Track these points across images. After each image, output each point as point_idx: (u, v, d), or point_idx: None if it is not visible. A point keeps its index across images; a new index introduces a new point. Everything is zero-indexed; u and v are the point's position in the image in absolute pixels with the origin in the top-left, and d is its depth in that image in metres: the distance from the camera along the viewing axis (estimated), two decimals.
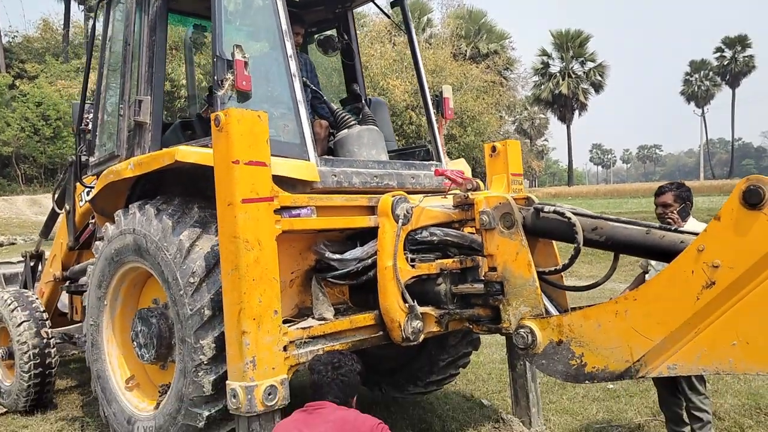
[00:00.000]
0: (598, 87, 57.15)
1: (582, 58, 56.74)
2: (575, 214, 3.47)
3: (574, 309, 3.55)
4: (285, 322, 3.55)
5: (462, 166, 5.07)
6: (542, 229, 3.61)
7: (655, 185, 5.84)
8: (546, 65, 57.30)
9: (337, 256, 3.75)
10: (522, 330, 3.43)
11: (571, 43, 56.00)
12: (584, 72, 56.76)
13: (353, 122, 4.46)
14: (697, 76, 75.27)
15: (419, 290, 3.93)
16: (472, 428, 5.05)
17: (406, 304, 3.78)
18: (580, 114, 58.66)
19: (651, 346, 3.02)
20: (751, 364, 2.78)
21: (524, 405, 4.95)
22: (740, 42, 69.26)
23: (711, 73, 73.99)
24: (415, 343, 3.86)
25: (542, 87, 56.42)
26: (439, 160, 4.86)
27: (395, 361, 5.24)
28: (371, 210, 3.90)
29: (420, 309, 3.85)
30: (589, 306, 3.31)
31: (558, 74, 56.40)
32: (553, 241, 3.76)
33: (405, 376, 5.26)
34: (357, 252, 3.77)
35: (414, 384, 5.24)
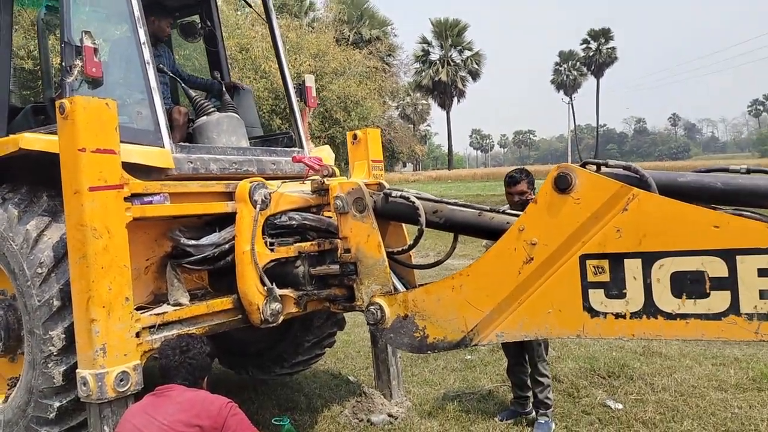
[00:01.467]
0: (475, 75, 59.44)
1: (460, 47, 58.64)
2: (419, 198, 3.74)
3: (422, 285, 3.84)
4: (140, 308, 3.57)
5: (325, 153, 5.23)
6: (391, 213, 3.86)
7: (531, 169, 6.31)
8: (426, 53, 58.77)
9: (193, 242, 3.80)
10: (372, 307, 3.67)
11: (449, 32, 57.73)
12: (462, 60, 58.76)
13: (212, 109, 4.49)
14: (565, 66, 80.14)
15: (278, 273, 4.06)
16: (337, 404, 5.29)
17: (265, 287, 3.90)
18: (459, 100, 60.79)
19: (482, 316, 3.35)
20: (563, 328, 3.16)
21: (386, 378, 5.24)
22: (604, 35, 74.44)
23: (578, 63, 79.02)
24: (275, 324, 4.00)
25: (423, 74, 57.86)
26: (301, 147, 4.99)
27: (261, 344, 5.36)
28: (229, 196, 3.98)
29: (279, 291, 3.99)
30: (431, 282, 3.60)
31: (438, 62, 58.02)
32: (403, 224, 4.03)
33: (271, 358, 5.39)
34: (213, 237, 3.85)
35: (280, 365, 5.39)
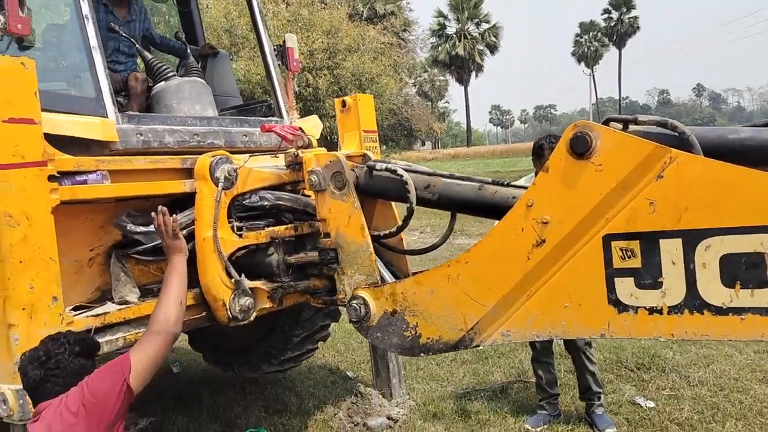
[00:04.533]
0: (493, 48, 58.13)
1: (477, 20, 57.30)
2: (409, 171, 3.13)
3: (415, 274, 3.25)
4: (79, 309, 3.03)
5: (309, 124, 4.64)
6: (376, 189, 3.25)
7: None
8: (443, 27, 57.56)
9: (142, 228, 3.23)
10: (355, 301, 3.08)
11: (466, 4, 56.36)
12: (479, 33, 57.46)
13: (170, 73, 3.89)
14: (586, 37, 78.11)
15: (248, 263, 3.50)
16: (332, 405, 4.74)
17: (232, 279, 3.34)
18: (477, 75, 59.57)
19: (484, 312, 2.75)
20: (583, 326, 2.55)
21: (385, 376, 4.69)
22: (626, 3, 72.29)
23: (599, 34, 76.97)
24: (245, 322, 3.44)
25: (439, 49, 56.68)
26: (280, 116, 4.39)
27: (247, 339, 4.82)
28: (188, 173, 3.40)
29: (249, 284, 3.42)
30: (422, 271, 3.01)
31: (454, 36, 56.78)
32: (393, 203, 3.42)
33: (258, 355, 4.85)
34: None
35: (268, 362, 4.85)
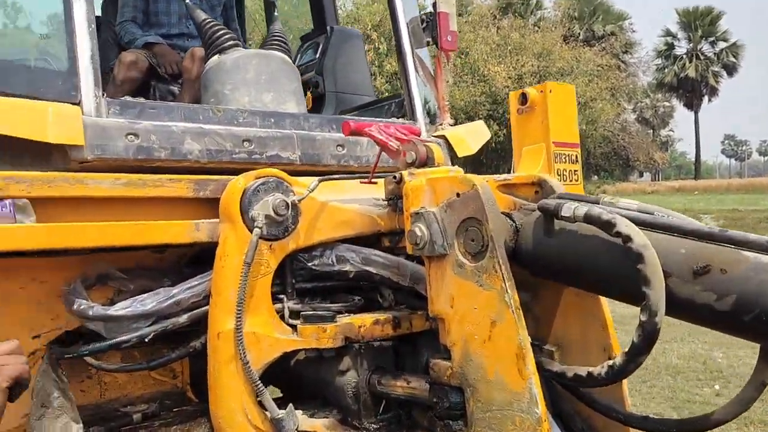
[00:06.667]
0: (731, 69, 51.04)
1: (712, 38, 50.94)
2: (648, 224, 1.24)
3: None
4: None
5: (470, 130, 2.91)
6: (563, 262, 1.41)
7: None
8: (670, 46, 51.99)
9: (104, 310, 1.71)
10: None
11: (699, 22, 50.38)
12: (715, 53, 50.95)
13: (229, 42, 2.38)
14: None
15: (304, 382, 1.85)
16: None
17: (269, 417, 1.71)
18: (710, 99, 52.78)
19: None
20: None
21: None
22: None
23: None
24: None
25: (666, 71, 51.26)
26: (414, 118, 2.69)
27: None
28: (212, 208, 1.84)
29: (307, 423, 1.76)
30: None
31: (684, 56, 50.98)
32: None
33: None
34: (151, 301, 1.71)
35: None
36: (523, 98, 2.77)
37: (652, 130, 56.37)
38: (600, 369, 1.27)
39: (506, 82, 30.70)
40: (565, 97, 2.81)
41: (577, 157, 2.81)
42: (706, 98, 52.56)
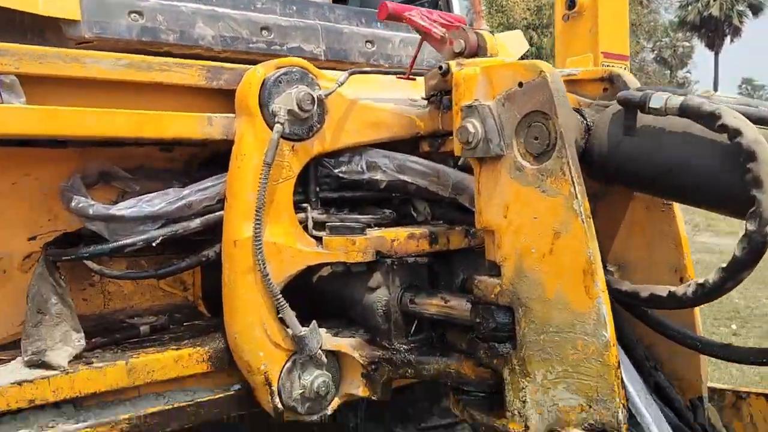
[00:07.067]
0: (757, 9, 49.21)
1: None
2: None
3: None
4: None
5: (510, 38, 2.65)
6: (652, 165, 1.21)
7: None
8: None
9: (106, 209, 1.52)
10: None
11: None
12: None
13: None
14: None
15: (327, 299, 1.69)
16: None
17: (289, 333, 1.55)
18: (732, 40, 51.14)
19: None
20: None
21: None
22: None
23: None
24: (314, 418, 1.64)
25: (689, 8, 49.46)
26: (449, 9, 2.43)
27: None
28: (227, 102, 1.62)
29: (331, 343, 1.61)
30: None
31: None
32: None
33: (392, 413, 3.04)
34: (158, 201, 1.52)
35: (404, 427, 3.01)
36: (571, 2, 2.50)
37: (669, 71, 54.91)
38: (686, 288, 1.08)
39: (524, 13, 29.75)
40: (618, 2, 2.55)
41: (626, 68, 2.56)
42: (728, 39, 50.91)
